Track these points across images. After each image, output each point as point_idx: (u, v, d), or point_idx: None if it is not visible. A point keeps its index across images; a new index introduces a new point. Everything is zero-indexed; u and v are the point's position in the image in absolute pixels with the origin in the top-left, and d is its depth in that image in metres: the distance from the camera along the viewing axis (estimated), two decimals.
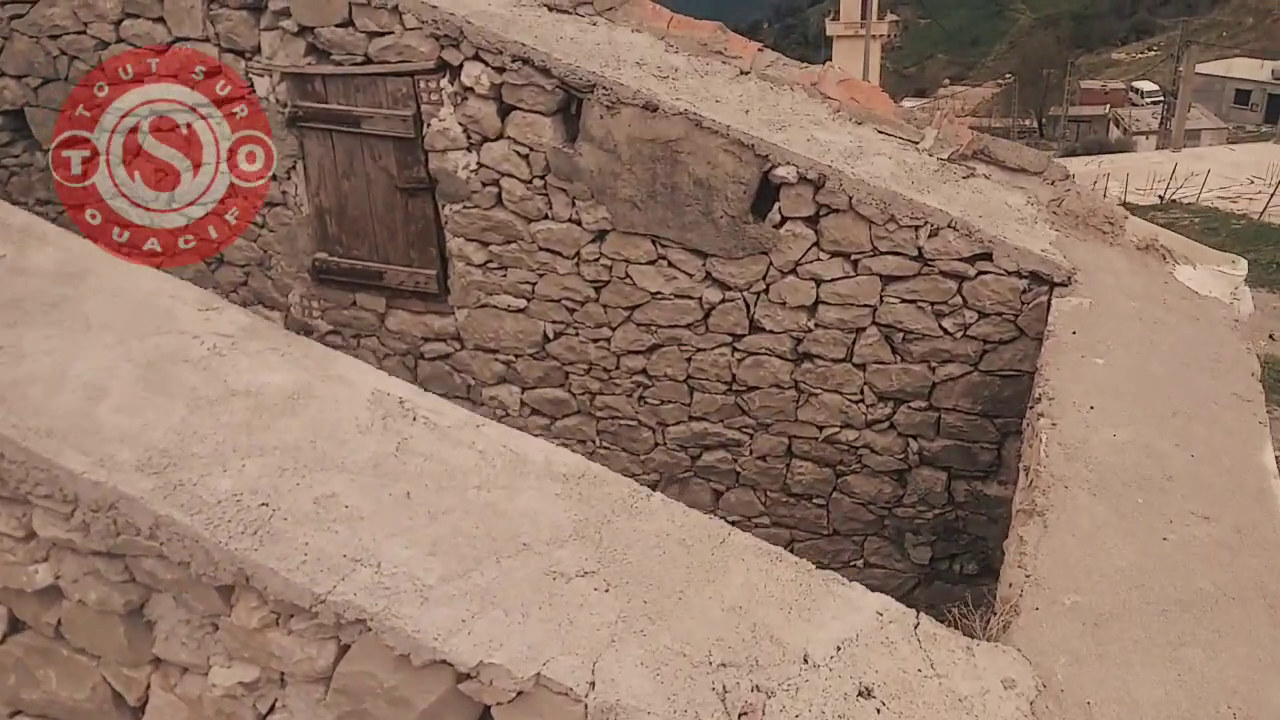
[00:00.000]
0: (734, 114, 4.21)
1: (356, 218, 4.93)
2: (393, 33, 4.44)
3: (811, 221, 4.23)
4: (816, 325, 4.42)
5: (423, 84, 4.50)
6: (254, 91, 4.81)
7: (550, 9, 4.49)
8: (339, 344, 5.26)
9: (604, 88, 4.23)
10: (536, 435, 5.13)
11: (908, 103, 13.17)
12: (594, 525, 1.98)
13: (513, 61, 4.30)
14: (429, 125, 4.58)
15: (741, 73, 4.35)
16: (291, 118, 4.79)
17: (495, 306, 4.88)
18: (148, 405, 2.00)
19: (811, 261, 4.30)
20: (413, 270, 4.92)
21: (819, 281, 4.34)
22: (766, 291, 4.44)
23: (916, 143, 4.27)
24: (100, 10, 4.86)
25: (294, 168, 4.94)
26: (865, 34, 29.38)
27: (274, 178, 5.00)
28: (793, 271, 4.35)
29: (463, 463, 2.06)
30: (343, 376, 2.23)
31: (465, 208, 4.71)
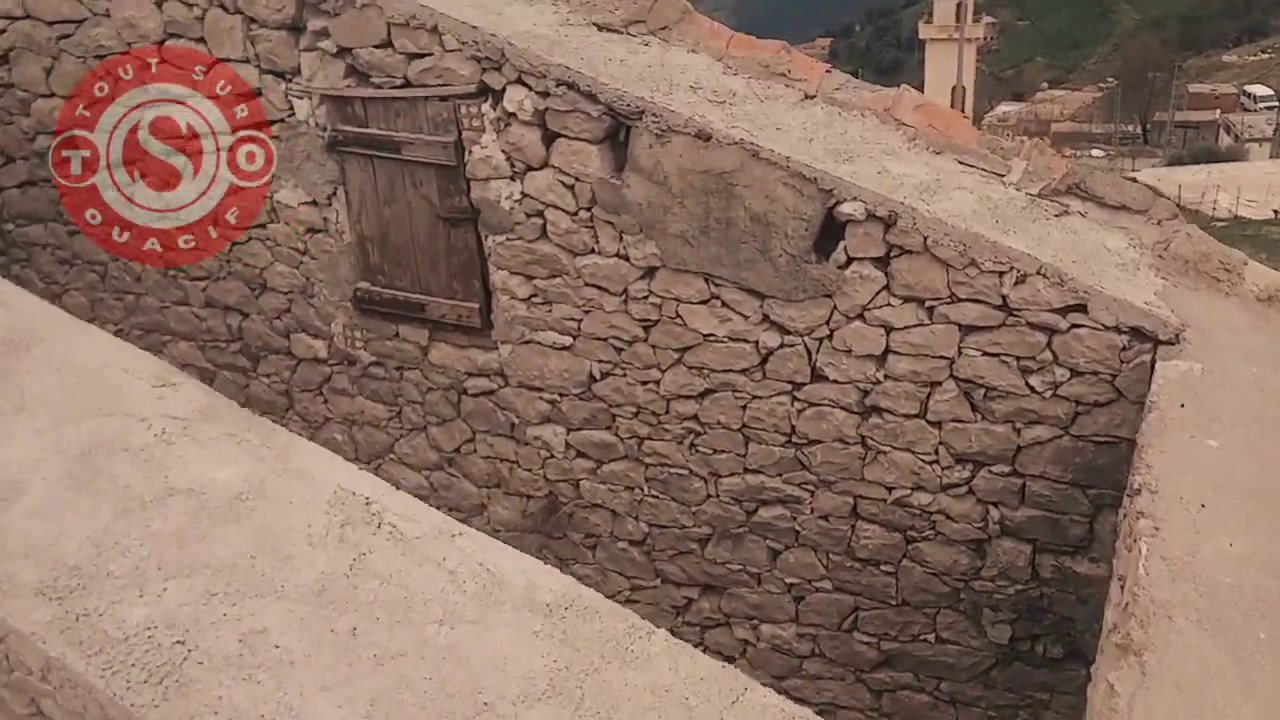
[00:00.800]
0: (796, 143, 3.81)
1: (399, 247, 4.68)
2: (432, 54, 4.17)
3: (881, 263, 3.81)
4: (886, 377, 3.99)
5: (464, 109, 4.22)
6: (293, 113, 4.60)
7: (599, 29, 4.16)
8: (382, 376, 5.03)
9: (653, 114, 3.88)
10: (582, 480, 4.84)
11: (1004, 107, 12.47)
12: (576, 676, 1.64)
13: (557, 86, 3.98)
14: (471, 152, 4.29)
15: (806, 97, 3.95)
16: (332, 142, 4.56)
17: (540, 343, 4.57)
18: (69, 508, 1.74)
19: (881, 307, 3.87)
20: (455, 303, 4.64)
21: (889, 329, 3.91)
22: (830, 338, 4.03)
23: (1002, 175, 3.81)
24: (143, 31, 4.71)
25: (334, 194, 4.71)
26: (960, 37, 28.40)
27: (314, 203, 4.78)
28: (860, 317, 3.93)
29: (427, 587, 1.74)
30: (303, 471, 1.93)
31: (509, 239, 4.41)
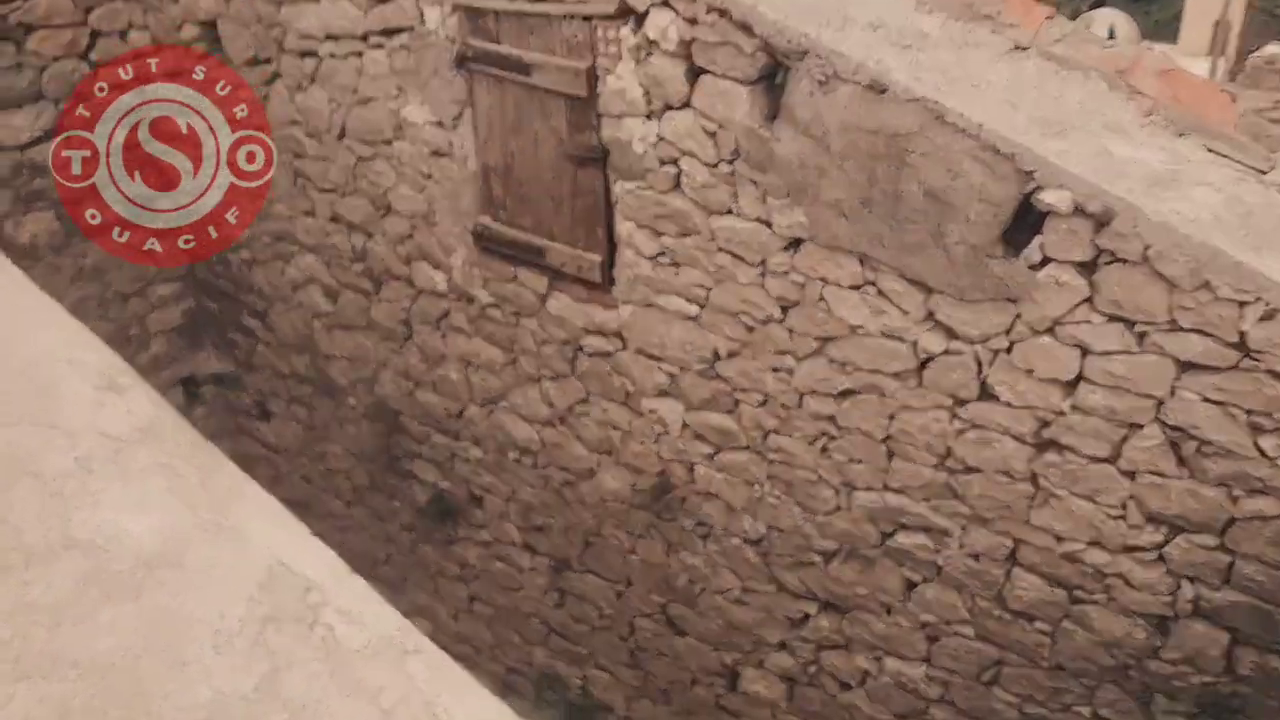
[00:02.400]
0: (994, 107, 3.01)
1: (522, 183, 4.18)
2: None
3: (1086, 269, 3.00)
4: (1074, 408, 3.21)
5: (601, 31, 3.61)
6: (423, 21, 4.12)
7: None
8: (499, 319, 4.61)
9: (818, 55, 3.16)
10: (697, 464, 4.29)
11: (1272, 48, 10.57)
12: None
13: (707, 12, 3.31)
14: (604, 83, 3.70)
15: (1017, 48, 3.11)
16: (460, 57, 4.06)
17: (663, 308, 4.00)
18: None
19: (1078, 323, 3.08)
20: (577, 253, 4.12)
21: (1085, 351, 3.12)
22: (1008, 351, 3.27)
23: (1264, 172, 2.89)
24: None
25: (461, 116, 4.24)
26: None
27: (440, 124, 4.33)
28: (1049, 331, 3.15)
29: None
30: (239, 531, 1.48)
31: (639, 188, 3.82)
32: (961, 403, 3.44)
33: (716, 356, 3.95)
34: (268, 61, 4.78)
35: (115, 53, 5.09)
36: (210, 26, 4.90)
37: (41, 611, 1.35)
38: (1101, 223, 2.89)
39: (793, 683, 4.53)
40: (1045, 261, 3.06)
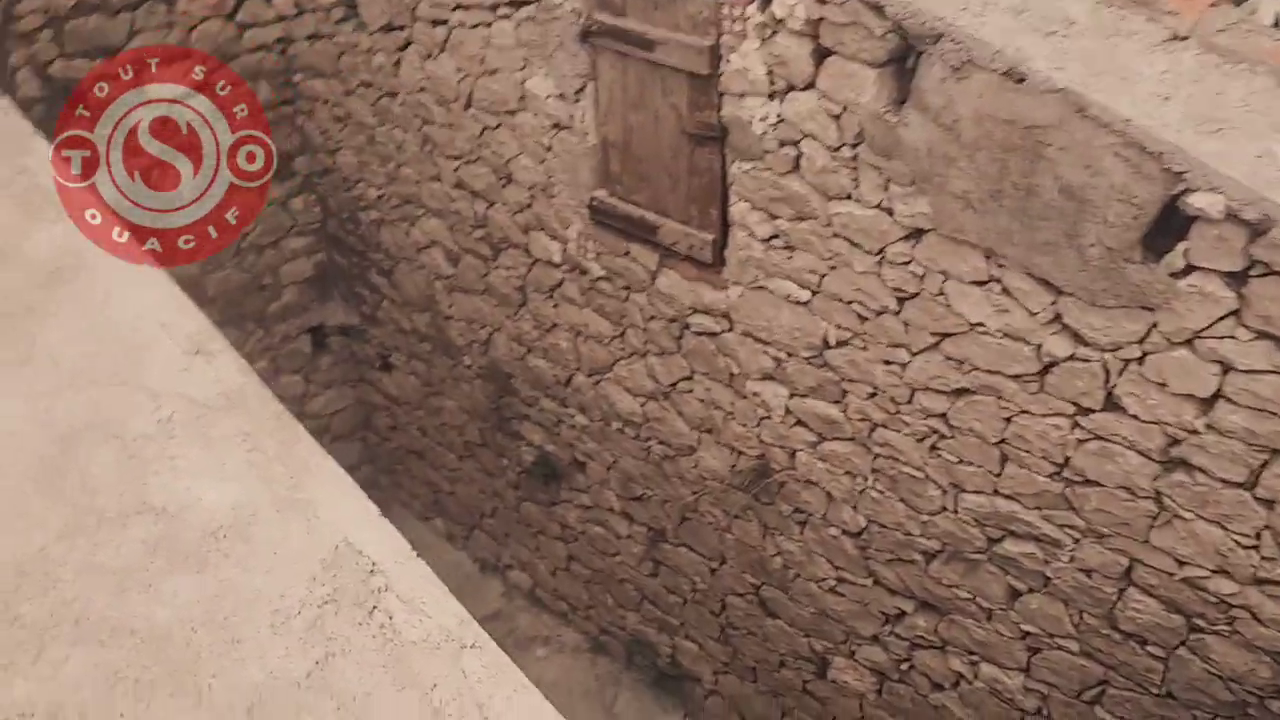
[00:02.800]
0: (1144, 101, 2.79)
1: (640, 159, 4.13)
2: None
3: (1235, 281, 2.77)
4: (1209, 428, 2.98)
5: (727, 9, 3.51)
6: None
7: None
8: (609, 292, 4.60)
9: (953, 40, 2.98)
10: (799, 451, 4.19)
11: None
12: None
13: None
14: (728, 61, 3.60)
15: (1175, 37, 2.86)
16: (585, 31, 4.03)
17: (773, 292, 3.91)
18: (17, 512, 1.42)
19: (1221, 338, 2.85)
20: (689, 231, 4.06)
21: (1227, 368, 2.88)
22: (1140, 362, 3.06)
23: None
24: None
25: (583, 90, 4.21)
26: None
27: (562, 97, 4.31)
28: (1188, 344, 2.93)
29: None
30: (311, 506, 1.50)
31: (756, 168, 3.72)
32: (1085, 412, 3.24)
33: (826, 344, 3.84)
34: (401, 28, 4.86)
35: (262, 16, 5.27)
36: None
37: (108, 575, 1.40)
38: (1258, 231, 2.65)
39: (883, 677, 4.42)
40: (1189, 270, 2.83)
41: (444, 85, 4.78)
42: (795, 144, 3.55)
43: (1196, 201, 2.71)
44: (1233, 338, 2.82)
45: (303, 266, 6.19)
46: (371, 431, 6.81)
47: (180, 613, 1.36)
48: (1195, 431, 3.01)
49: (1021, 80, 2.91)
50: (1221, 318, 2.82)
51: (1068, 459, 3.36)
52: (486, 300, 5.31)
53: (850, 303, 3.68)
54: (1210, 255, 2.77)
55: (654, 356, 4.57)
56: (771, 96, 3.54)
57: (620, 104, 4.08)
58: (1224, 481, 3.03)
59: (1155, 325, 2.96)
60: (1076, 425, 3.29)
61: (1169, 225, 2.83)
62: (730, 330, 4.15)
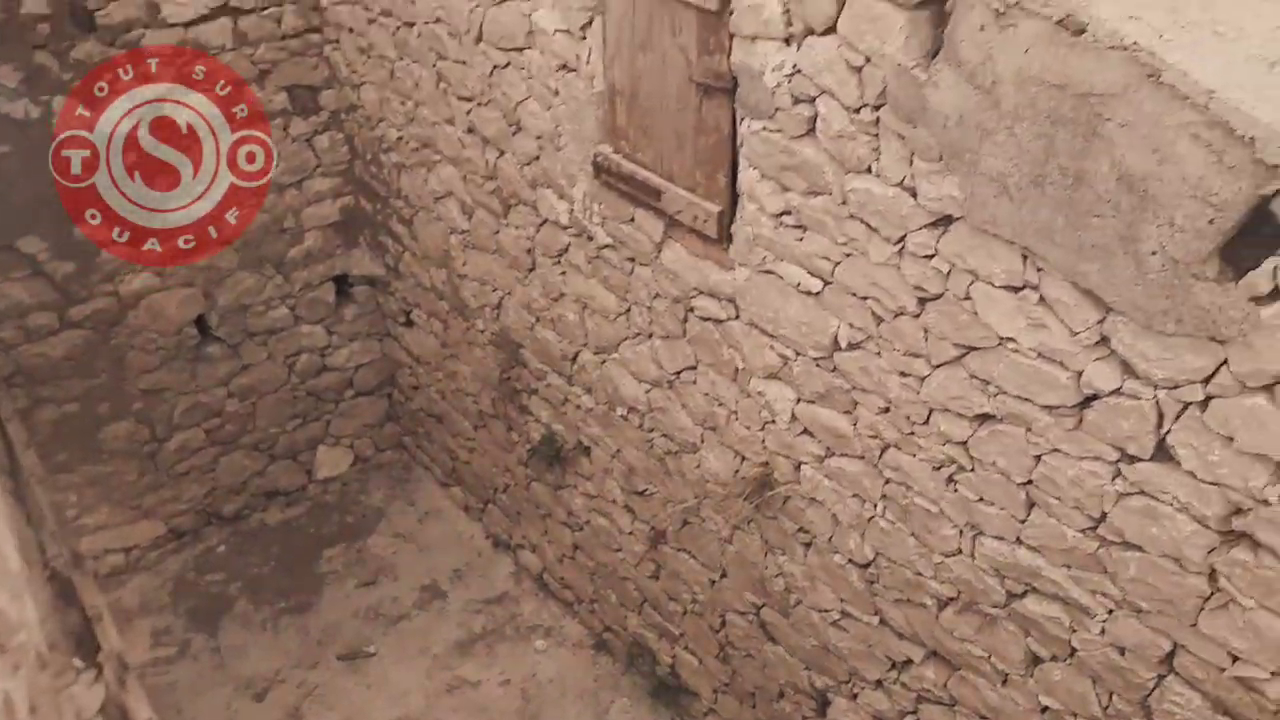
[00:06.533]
0: (1240, 67, 2.12)
1: (647, 110, 3.60)
2: None
3: None
4: None
5: None
6: None
7: None
8: (615, 263, 4.11)
9: None
10: (804, 463, 3.63)
11: None
12: None
13: None
14: None
15: None
16: None
17: (781, 278, 3.35)
18: None
19: None
20: (694, 200, 3.52)
21: None
22: (1203, 406, 2.40)
23: None
24: None
25: (590, 24, 3.68)
26: None
27: (569, 33, 3.79)
28: (1266, 390, 2.27)
29: None
30: None
31: (767, 129, 3.14)
32: (1130, 460, 2.60)
33: (836, 345, 3.26)
34: None
35: None
36: None
37: None
38: None
39: None
40: (1276, 294, 2.17)
41: (456, 15, 4.32)
42: (811, 101, 2.96)
43: None
44: None
45: (328, 210, 5.84)
46: (397, 389, 6.48)
47: None
48: (1266, 502, 2.35)
49: (1080, 32, 2.27)
50: None
51: (1105, 514, 2.72)
52: (498, 261, 4.88)
53: (865, 298, 3.09)
54: None
55: (659, 339, 4.06)
56: (787, 41, 2.95)
57: (628, 44, 3.54)
58: None
59: (1225, 362, 2.30)
60: (1118, 475, 2.65)
61: (1256, 235, 2.17)
62: (736, 318, 3.60)
